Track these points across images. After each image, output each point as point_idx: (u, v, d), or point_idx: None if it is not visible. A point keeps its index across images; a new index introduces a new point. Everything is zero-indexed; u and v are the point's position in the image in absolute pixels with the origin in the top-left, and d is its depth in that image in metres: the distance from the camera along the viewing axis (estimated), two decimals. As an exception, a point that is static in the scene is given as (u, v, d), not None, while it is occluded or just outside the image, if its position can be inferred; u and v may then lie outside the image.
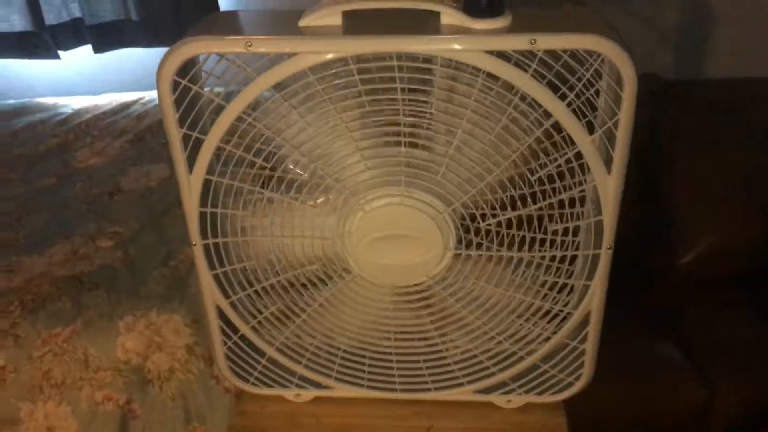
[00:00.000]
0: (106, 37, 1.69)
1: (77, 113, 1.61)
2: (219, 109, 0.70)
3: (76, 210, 1.25)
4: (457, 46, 0.64)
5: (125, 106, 1.62)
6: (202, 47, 0.66)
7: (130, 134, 1.51)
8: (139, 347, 0.98)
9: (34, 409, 0.96)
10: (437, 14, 0.65)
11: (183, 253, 1.10)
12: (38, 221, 1.24)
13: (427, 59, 0.67)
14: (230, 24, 0.73)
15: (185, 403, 0.99)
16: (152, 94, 1.67)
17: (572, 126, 0.66)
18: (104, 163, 1.41)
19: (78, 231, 1.18)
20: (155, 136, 1.49)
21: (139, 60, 1.80)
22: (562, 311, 0.79)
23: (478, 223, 0.74)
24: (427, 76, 0.68)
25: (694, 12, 1.59)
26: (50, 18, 1.67)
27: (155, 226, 1.18)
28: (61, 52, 1.72)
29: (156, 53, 1.76)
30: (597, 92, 0.67)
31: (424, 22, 0.66)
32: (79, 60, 1.78)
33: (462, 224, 0.74)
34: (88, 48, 1.71)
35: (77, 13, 1.67)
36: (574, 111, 0.66)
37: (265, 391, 0.88)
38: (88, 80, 1.80)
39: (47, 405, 0.96)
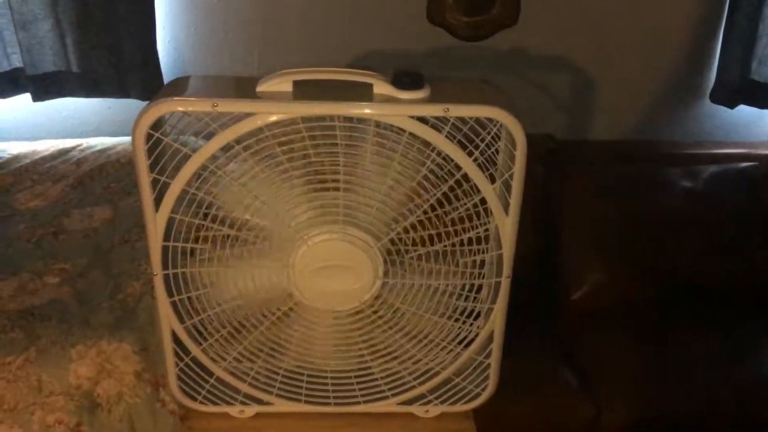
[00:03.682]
0: (46, 86, 1.76)
1: (15, 158, 1.66)
2: (184, 158, 0.83)
3: (21, 248, 1.31)
4: (386, 112, 0.80)
5: (64, 152, 1.69)
6: (175, 106, 0.79)
7: (70, 178, 1.57)
8: (90, 373, 1.05)
9: (-15, 432, 1.02)
10: (370, 85, 0.82)
11: (130, 286, 1.19)
12: (-16, 259, 1.28)
13: (361, 121, 0.83)
14: (197, 87, 0.86)
15: (132, 425, 1.07)
16: (90, 141, 1.74)
17: (477, 177, 0.83)
18: (46, 205, 1.48)
19: (25, 268, 1.24)
20: (95, 181, 1.57)
21: (75, 109, 1.88)
22: (470, 331, 0.94)
23: (403, 256, 0.89)
24: (361, 135, 0.84)
25: (581, 83, 1.85)
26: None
27: (102, 263, 1.26)
28: (-1, 100, 1.77)
29: (92, 103, 1.85)
30: (497, 150, 0.85)
31: (360, 91, 0.81)
32: (15, 107, 1.84)
33: (389, 258, 0.89)
34: (26, 96, 1.77)
35: (18, 63, 1.74)
36: (479, 165, 0.83)
37: (212, 409, 0.98)
38: (25, 127, 1.86)
39: (-1, 428, 1.02)
